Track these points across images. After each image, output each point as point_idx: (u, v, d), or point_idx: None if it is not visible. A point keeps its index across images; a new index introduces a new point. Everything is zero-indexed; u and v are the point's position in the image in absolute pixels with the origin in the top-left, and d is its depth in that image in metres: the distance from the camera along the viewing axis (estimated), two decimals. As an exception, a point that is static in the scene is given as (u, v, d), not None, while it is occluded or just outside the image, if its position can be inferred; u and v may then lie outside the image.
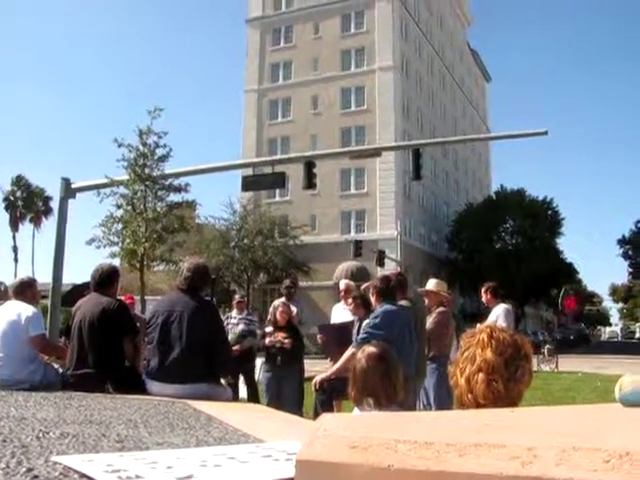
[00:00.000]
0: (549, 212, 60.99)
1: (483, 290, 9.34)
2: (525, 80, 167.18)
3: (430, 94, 64.61)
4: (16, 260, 67.14)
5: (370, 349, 3.88)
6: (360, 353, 3.90)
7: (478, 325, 2.75)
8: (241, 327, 10.90)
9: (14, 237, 68.01)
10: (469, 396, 2.31)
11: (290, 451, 2.31)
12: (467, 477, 1.09)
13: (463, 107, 75.60)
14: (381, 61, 55.43)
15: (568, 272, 64.24)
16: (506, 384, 2.30)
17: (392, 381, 3.71)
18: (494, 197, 63.70)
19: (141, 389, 5.47)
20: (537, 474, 1.04)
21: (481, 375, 2.29)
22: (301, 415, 7.72)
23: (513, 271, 51.92)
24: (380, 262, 38.21)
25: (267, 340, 8.94)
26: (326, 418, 1.45)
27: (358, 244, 37.22)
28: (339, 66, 57.06)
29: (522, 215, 57.97)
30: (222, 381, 6.12)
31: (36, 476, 1.83)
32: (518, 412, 1.74)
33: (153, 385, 5.47)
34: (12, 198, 67.54)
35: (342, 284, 9.64)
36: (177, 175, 22.41)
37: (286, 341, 8.87)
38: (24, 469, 1.91)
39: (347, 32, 57.41)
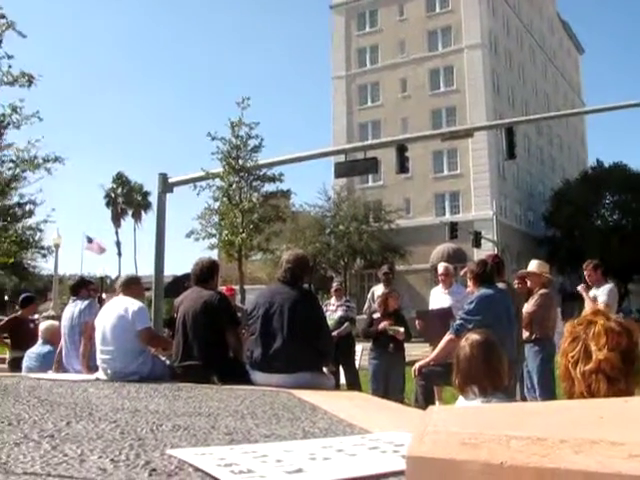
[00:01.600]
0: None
1: (588, 267, 9.03)
2: (621, 49, 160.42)
3: (520, 70, 62.98)
4: (119, 254, 69.58)
5: (474, 336, 3.83)
6: (464, 341, 3.85)
7: (586, 309, 2.67)
8: (339, 313, 10.93)
9: (117, 232, 70.47)
10: (585, 393, 2.23)
11: (397, 442, 2.31)
12: (583, 476, 1.06)
13: (555, 81, 73.28)
14: (469, 39, 54.43)
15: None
16: (626, 379, 2.22)
17: (497, 368, 3.66)
18: (591, 172, 61.49)
19: (245, 380, 5.58)
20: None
21: (602, 375, 2.21)
22: (402, 401, 7.72)
23: (615, 248, 50.09)
24: (476, 243, 37.66)
25: (380, 326, 8.95)
26: (434, 411, 1.44)
27: (453, 226, 36.76)
28: (426, 47, 56.35)
29: (623, 189, 55.82)
30: (324, 369, 6.16)
31: (154, 469, 1.89)
32: (632, 402, 1.69)
33: (257, 375, 5.57)
34: (113, 195, 69.89)
35: (441, 267, 9.54)
36: (270, 165, 22.62)
37: (401, 330, 8.86)
38: (142, 462, 1.98)
39: (432, 12, 56.59)
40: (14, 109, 20.16)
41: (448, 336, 6.08)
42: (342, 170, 21.10)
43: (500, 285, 6.71)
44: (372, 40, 58.79)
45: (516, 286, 8.27)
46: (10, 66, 20.38)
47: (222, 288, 8.68)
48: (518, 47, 63.28)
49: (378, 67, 58.08)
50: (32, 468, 1.78)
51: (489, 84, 54.08)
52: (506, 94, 58.14)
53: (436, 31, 56.20)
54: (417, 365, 6.49)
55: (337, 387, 7.72)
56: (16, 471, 1.74)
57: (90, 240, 42.09)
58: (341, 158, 21.57)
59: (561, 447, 1.12)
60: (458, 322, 6.09)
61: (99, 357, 6.33)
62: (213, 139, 23.98)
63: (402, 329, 8.86)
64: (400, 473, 1.77)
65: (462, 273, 7.64)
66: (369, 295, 10.70)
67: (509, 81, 59.19)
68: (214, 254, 24.63)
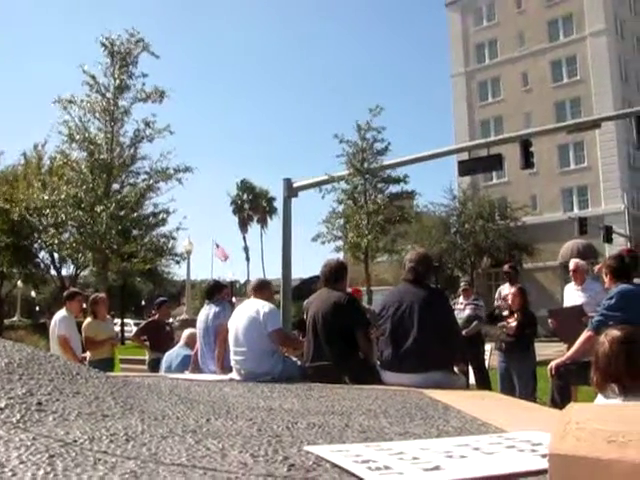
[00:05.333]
0: None
1: None
2: None
3: (649, 55, 60.10)
4: (247, 259, 71.30)
5: (614, 332, 3.69)
6: (603, 337, 3.71)
7: None
8: (467, 312, 10.85)
9: (244, 238, 72.23)
10: None
11: (534, 441, 2.26)
12: None
13: (691, 63, 69.51)
14: (592, 26, 52.33)
15: None
16: None
17: (638, 366, 3.51)
18: None
19: (376, 380, 5.60)
20: None
21: None
22: (535, 401, 7.54)
23: None
24: (608, 239, 36.25)
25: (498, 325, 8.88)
26: (574, 409, 1.40)
27: (582, 221, 35.58)
28: (546, 38, 54.66)
29: None
30: (455, 368, 6.10)
31: (292, 464, 1.93)
32: None
33: (387, 375, 5.58)
34: (239, 202, 71.68)
35: (571, 263, 9.29)
36: (394, 166, 22.64)
37: (510, 325, 8.73)
38: (281, 457, 2.02)
39: (552, 1, 54.86)
40: (147, 124, 21.18)
41: (587, 333, 5.89)
42: (466, 168, 20.86)
43: (637, 280, 6.45)
44: (490, 34, 57.67)
45: None
46: (144, 84, 21.48)
47: (348, 289, 8.76)
48: (647, 30, 60.41)
49: (498, 62, 56.89)
50: (179, 460, 1.86)
51: (615, 72, 51.85)
52: (635, 81, 55.52)
53: (556, 20, 54.40)
54: (553, 364, 6.32)
55: (467, 387, 7.64)
56: (165, 462, 1.83)
57: (217, 246, 43.43)
58: (464, 156, 21.30)
59: None
60: (597, 318, 5.88)
61: (232, 358, 6.51)
62: (340, 142, 24.29)
63: (514, 323, 8.70)
64: (539, 472, 1.73)
65: (597, 269, 7.40)
66: (496, 295, 10.54)
67: (638, 67, 56.48)
68: (340, 256, 24.85)
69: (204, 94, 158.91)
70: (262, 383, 5.62)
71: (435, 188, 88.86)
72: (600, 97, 49.95)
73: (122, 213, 21.07)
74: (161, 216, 22.44)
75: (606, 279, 6.33)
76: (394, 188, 25.23)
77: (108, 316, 10.28)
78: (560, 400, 6.19)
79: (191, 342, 8.55)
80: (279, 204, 21.77)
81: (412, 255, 6.08)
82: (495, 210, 47.07)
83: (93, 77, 21.32)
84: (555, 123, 38.28)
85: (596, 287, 8.94)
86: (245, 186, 71.83)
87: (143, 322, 13.14)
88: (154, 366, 9.66)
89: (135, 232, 22.93)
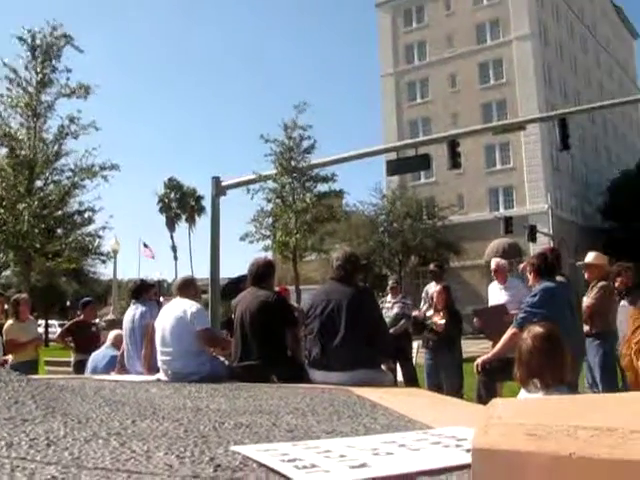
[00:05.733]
0: None
1: None
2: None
3: (572, 60, 61.89)
4: (175, 258, 70.55)
5: (536, 329, 3.78)
6: (526, 333, 3.81)
7: None
8: (395, 310, 10.93)
9: (172, 237, 71.43)
10: None
11: (459, 437, 2.30)
12: (657, 466, 1.04)
13: (609, 69, 71.81)
14: (517, 31, 53.71)
15: None
16: None
17: (559, 361, 3.61)
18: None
19: (304, 378, 5.60)
20: None
21: None
22: (461, 397, 7.67)
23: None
24: (532, 238, 37.12)
25: (418, 317, 9.00)
26: (498, 404, 1.42)
27: (508, 220, 36.30)
28: (474, 40, 55.84)
29: (683, 179, 54.40)
30: (382, 366, 6.16)
31: (218, 465, 1.92)
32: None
33: (315, 374, 5.59)
34: (166, 200, 70.84)
35: (493, 263, 9.51)
36: (322, 165, 22.66)
37: (439, 322, 8.85)
38: (207, 458, 2.01)
39: (480, 4, 56.06)
40: (72, 120, 20.69)
41: (511, 330, 6.03)
42: (394, 168, 21.02)
43: (559, 278, 6.63)
44: (419, 36, 58.51)
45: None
46: (68, 79, 20.96)
47: (276, 288, 8.74)
48: (569, 36, 62.20)
49: (426, 63, 57.78)
50: (102, 463, 1.83)
51: (540, 75, 53.28)
52: (558, 84, 57.20)
53: (484, 24, 55.60)
54: (479, 360, 6.44)
55: (395, 384, 7.71)
56: (88, 466, 1.79)
57: (145, 245, 42.88)
58: (392, 156, 21.48)
59: (632, 437, 1.10)
60: (521, 315, 6.03)
61: (159, 358, 6.43)
62: (266, 141, 24.21)
63: (442, 321, 8.82)
64: (464, 467, 1.76)
65: (522, 267, 7.57)
66: (423, 293, 10.67)
67: (561, 71, 58.21)
68: (269, 256, 24.81)
69: (130, 92, 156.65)
70: (190, 383, 5.58)
71: (364, 187, 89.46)
72: (525, 100, 51.24)
73: (46, 211, 20.52)
74: (87, 214, 21.94)
75: (530, 277, 6.48)
76: (322, 187, 25.31)
77: (31, 317, 10.02)
78: (486, 396, 6.30)
79: (118, 343, 8.40)
80: (208, 203, 21.54)
81: (339, 254, 6.11)
82: (423, 209, 47.74)
83: (14, 71, 20.69)
84: (482, 124, 39.01)
85: (518, 285, 9.17)
86: (172, 185, 71.05)
87: (68, 323, 12.86)
88: (79, 368, 9.46)
89: (60, 231, 22.36)
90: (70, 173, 21.25)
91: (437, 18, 57.65)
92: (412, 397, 4.83)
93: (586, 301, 7.74)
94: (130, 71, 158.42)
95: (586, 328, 7.52)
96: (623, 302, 8.28)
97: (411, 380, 10.16)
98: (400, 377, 10.32)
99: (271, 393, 4.61)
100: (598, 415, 1.25)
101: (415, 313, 10.22)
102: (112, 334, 8.84)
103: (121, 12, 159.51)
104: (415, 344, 11.18)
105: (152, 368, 6.98)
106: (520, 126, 22.94)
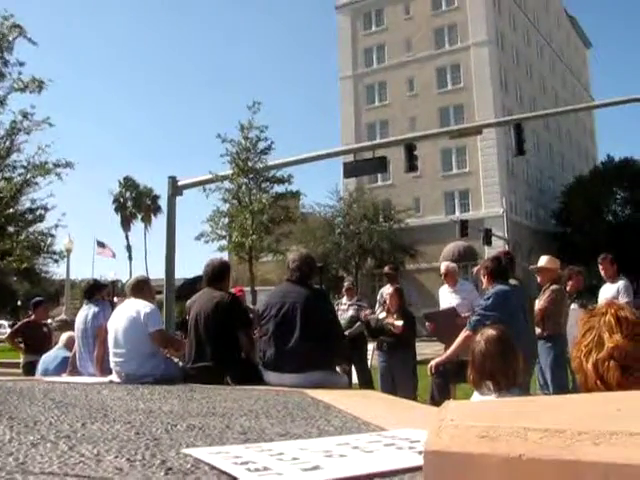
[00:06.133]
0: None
1: (604, 261, 8.96)
2: (630, 42, 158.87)
3: (528, 66, 62.81)
4: (130, 258, 69.75)
5: (489, 332, 3.82)
6: (479, 336, 3.84)
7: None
8: (351, 313, 10.91)
9: (127, 236, 70.61)
10: (598, 383, 2.20)
11: (413, 439, 2.31)
12: (604, 467, 1.04)
13: (563, 77, 73.00)
14: (475, 37, 54.36)
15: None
16: None
17: (511, 364, 3.64)
18: (601, 167, 61.13)
19: (258, 380, 5.58)
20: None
21: (613, 362, 2.17)
22: (415, 399, 7.70)
23: (628, 244, 49.72)
24: (487, 241, 37.61)
25: (373, 319, 9.00)
26: (450, 406, 1.42)
27: (464, 224, 36.72)
28: (433, 45, 56.34)
29: (634, 184, 55.49)
30: (337, 368, 6.16)
31: (170, 468, 1.89)
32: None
33: (270, 375, 5.57)
34: (122, 199, 70.05)
35: (442, 267, 9.56)
36: (279, 166, 22.62)
37: (396, 324, 8.85)
38: (158, 461, 1.99)
39: (438, 10, 56.57)
40: (25, 115, 20.27)
41: (465, 332, 6.07)
42: (351, 170, 21.06)
43: (512, 281, 6.70)
44: (378, 39, 58.80)
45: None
46: (21, 73, 20.53)
47: (232, 289, 8.70)
48: (525, 43, 63.12)
49: (385, 66, 58.07)
50: (50, 468, 1.79)
51: (496, 81, 53.98)
52: (514, 91, 58.02)
53: (442, 29, 56.14)
54: (433, 363, 6.48)
55: (350, 386, 7.72)
56: (34, 471, 1.75)
57: (102, 245, 42.26)
58: (350, 158, 21.55)
59: (580, 439, 1.11)
60: (475, 318, 6.07)
61: (112, 360, 6.35)
62: (223, 141, 24.11)
63: (400, 322, 8.81)
64: (417, 469, 1.76)
65: (476, 270, 7.64)
66: (378, 296, 10.68)
67: (517, 77, 59.06)
68: (224, 256, 24.68)
69: (85, 89, 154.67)
70: (142, 385, 5.52)
71: (321, 189, 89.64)
72: (482, 105, 51.85)
73: (-4, 209, 20.13)
74: (39, 212, 21.56)
75: (484, 280, 6.54)
76: (279, 188, 25.28)
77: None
78: (439, 398, 6.34)
79: (70, 344, 8.27)
80: (164, 202, 21.31)
81: (295, 255, 6.11)
82: (380, 212, 47.99)
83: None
84: (439, 128, 39.36)
85: (468, 288, 9.27)
86: (128, 184, 70.25)
87: (18, 323, 12.63)
88: (29, 369, 9.29)
89: (10, 229, 21.94)
90: (22, 170, 20.86)
91: (396, 22, 57.99)
92: (366, 399, 4.84)
93: (538, 304, 7.83)
94: (85, 68, 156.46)
95: (538, 331, 7.59)
96: (574, 305, 8.44)
97: (366, 382, 10.17)
98: (355, 379, 10.33)
99: (225, 395, 4.59)
100: (548, 417, 1.26)
101: (368, 315, 10.14)
102: (64, 335, 8.70)
103: (77, 8, 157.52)
104: (370, 346, 11.20)
105: (105, 370, 6.90)
106: (477, 130, 23.18)
